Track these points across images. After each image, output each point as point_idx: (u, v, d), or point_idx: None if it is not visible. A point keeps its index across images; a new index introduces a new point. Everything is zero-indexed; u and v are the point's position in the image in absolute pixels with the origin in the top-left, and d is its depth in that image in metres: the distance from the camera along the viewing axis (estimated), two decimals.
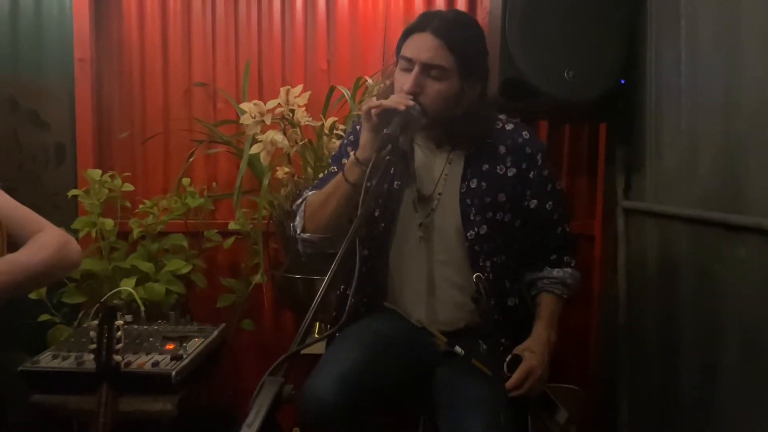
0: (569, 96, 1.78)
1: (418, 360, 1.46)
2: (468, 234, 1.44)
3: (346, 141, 1.59)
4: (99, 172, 2.04)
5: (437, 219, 1.47)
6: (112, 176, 2.07)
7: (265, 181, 1.90)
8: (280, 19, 2.32)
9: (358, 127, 1.59)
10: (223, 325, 1.92)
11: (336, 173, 1.46)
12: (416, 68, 1.35)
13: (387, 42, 2.28)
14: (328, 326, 2.03)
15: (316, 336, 2.10)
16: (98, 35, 2.28)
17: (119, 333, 1.52)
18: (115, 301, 1.66)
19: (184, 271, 2.06)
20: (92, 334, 1.53)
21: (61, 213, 2.18)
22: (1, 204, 1.36)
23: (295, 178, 1.96)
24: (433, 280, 1.47)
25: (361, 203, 1.20)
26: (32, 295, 1.98)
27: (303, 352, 0.96)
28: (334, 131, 1.91)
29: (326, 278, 1.08)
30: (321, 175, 1.82)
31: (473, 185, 1.45)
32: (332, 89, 2.06)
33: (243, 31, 2.33)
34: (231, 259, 2.34)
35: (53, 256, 1.37)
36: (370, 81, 2.05)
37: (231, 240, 2.14)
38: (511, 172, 1.46)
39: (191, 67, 2.32)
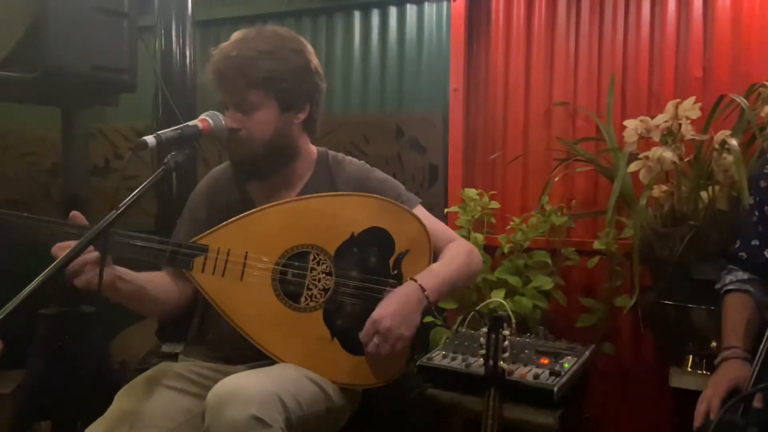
0: None
1: None
2: None
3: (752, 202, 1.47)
4: (475, 191, 2.22)
5: None
6: (480, 194, 2.24)
7: (643, 201, 1.81)
8: (648, 29, 2.22)
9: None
10: (593, 346, 1.89)
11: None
12: None
13: None
14: (703, 360, 1.88)
15: (689, 369, 1.94)
16: (469, 66, 2.49)
17: (506, 342, 1.61)
18: (500, 312, 1.78)
19: (547, 287, 2.09)
20: (482, 340, 1.65)
21: None
22: (425, 218, 1.57)
23: (674, 197, 1.82)
24: None
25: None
26: None
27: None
28: (725, 146, 1.71)
29: None
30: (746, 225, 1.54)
31: None
32: (721, 98, 1.86)
33: (607, 46, 2.29)
34: (587, 278, 2.30)
35: (465, 264, 1.54)
36: None
37: (596, 259, 2.10)
38: None
39: (552, 88, 2.38)
